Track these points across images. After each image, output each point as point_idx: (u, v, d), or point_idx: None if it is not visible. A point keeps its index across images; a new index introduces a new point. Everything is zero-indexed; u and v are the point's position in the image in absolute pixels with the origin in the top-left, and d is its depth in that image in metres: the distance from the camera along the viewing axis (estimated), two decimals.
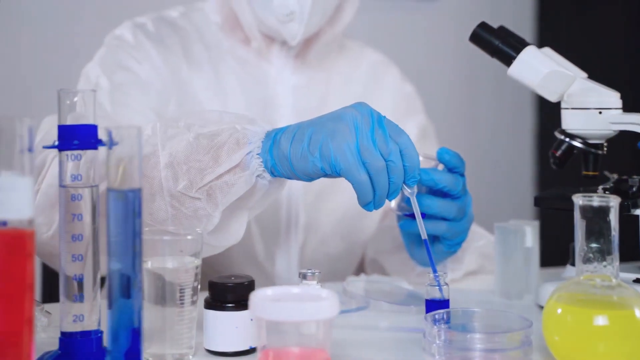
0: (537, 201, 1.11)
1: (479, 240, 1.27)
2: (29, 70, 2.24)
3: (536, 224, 1.19)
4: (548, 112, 2.77)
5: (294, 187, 1.36)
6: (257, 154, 1.00)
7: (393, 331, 1.03)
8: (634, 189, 1.07)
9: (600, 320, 0.81)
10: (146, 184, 1.01)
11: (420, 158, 1.10)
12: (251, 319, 0.91)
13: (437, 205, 1.11)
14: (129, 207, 0.73)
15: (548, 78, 1.07)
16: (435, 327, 0.91)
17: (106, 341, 0.84)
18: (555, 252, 1.35)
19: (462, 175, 1.13)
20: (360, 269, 1.46)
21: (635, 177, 1.09)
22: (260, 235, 1.35)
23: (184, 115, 1.08)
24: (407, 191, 1.00)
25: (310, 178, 0.99)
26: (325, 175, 0.99)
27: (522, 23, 2.81)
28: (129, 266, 0.73)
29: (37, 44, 2.24)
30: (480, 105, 2.84)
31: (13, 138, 0.72)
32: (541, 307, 1.11)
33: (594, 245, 0.84)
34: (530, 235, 1.18)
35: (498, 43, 1.10)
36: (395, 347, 0.96)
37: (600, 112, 1.06)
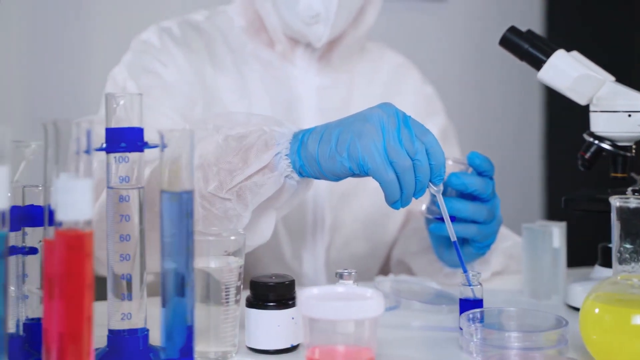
0: (567, 203, 1.13)
1: (506, 241, 1.29)
2: (34, 73, 2.25)
3: (563, 224, 1.21)
4: (556, 116, 2.79)
5: (319, 189, 1.38)
6: (286, 155, 1.02)
7: (426, 330, 1.05)
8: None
9: (639, 319, 0.83)
10: None
11: (450, 162, 1.13)
12: (292, 318, 0.93)
13: (468, 208, 1.12)
14: (183, 208, 0.75)
15: (578, 81, 1.09)
16: (472, 325, 0.93)
17: (156, 339, 0.87)
18: (575, 253, 1.37)
19: (492, 178, 1.15)
20: (384, 270, 1.48)
21: None
22: (288, 237, 1.37)
23: (212, 117, 1.10)
24: (433, 189, 1.02)
25: (338, 178, 1.02)
26: (353, 175, 1.01)
27: (531, 24, 2.82)
28: (183, 266, 0.75)
29: (43, 46, 2.26)
30: (489, 107, 2.85)
31: (69, 140, 0.74)
32: (570, 307, 1.13)
33: (629, 245, 0.86)
34: (557, 235, 1.19)
35: (527, 47, 1.12)
36: (431, 345, 0.98)
37: (629, 115, 1.08)
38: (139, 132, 0.88)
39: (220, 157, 1.03)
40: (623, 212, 0.85)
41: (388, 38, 1.73)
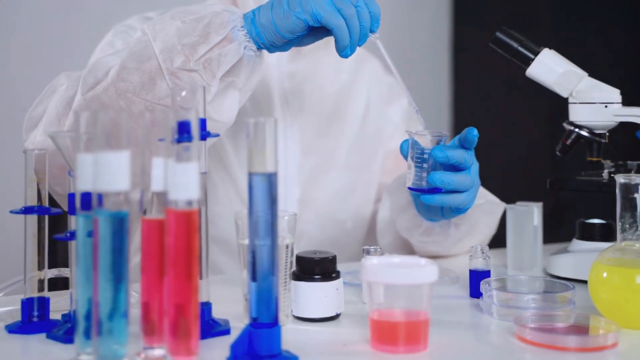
0: (552, 184, 1.28)
1: (479, 200, 1.37)
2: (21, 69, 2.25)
3: (540, 205, 1.35)
4: (464, 116, 2.95)
5: (289, 165, 1.48)
6: (241, 27, 1.17)
7: (436, 299, 1.16)
8: (633, 171, 1.25)
9: None
10: (144, 75, 1.16)
11: (429, 136, 1.20)
12: (337, 289, 1.03)
13: (453, 180, 1.18)
14: (273, 189, 0.84)
15: (563, 76, 1.24)
16: (493, 290, 1.05)
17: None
18: None
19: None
20: (356, 244, 1.57)
21: (631, 161, 1.27)
22: None
23: (168, 12, 1.23)
24: (374, 36, 1.18)
25: (294, 35, 1.16)
26: (308, 28, 1.16)
27: (440, 21, 2.96)
28: (273, 243, 0.84)
29: (31, 45, 2.26)
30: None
31: (168, 130, 0.82)
32: (552, 276, 1.27)
33: (630, 216, 1.00)
34: (537, 214, 1.33)
35: (517, 46, 1.26)
36: (451, 311, 1.10)
37: (606, 106, 1.24)
38: (202, 122, 0.97)
39: (181, 36, 1.17)
40: (627, 188, 1.00)
41: None
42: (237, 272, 1.42)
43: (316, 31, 1.18)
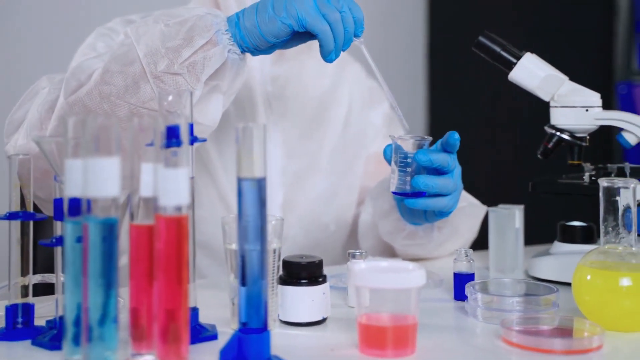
0: (534, 186, 1.29)
1: (461, 203, 1.37)
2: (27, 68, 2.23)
3: (522, 207, 1.36)
4: (438, 117, 2.96)
5: (272, 168, 1.48)
6: (225, 30, 1.18)
7: (420, 302, 1.17)
8: (613, 174, 1.27)
9: (625, 281, 0.99)
10: (128, 78, 1.15)
11: (411, 140, 1.21)
12: (323, 293, 1.03)
13: (437, 184, 1.19)
14: (262, 194, 0.84)
15: (545, 80, 1.25)
16: (479, 293, 1.06)
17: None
18: None
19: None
20: (338, 247, 1.57)
21: (611, 164, 1.29)
22: None
23: (150, 15, 1.23)
24: (358, 41, 1.20)
25: (278, 40, 1.17)
26: (292, 33, 1.16)
27: (416, 26, 2.97)
28: (262, 248, 0.83)
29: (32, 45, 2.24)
30: None
31: (157, 135, 0.82)
32: (534, 278, 1.28)
33: (612, 220, 1.01)
34: (518, 217, 1.35)
35: (499, 50, 1.27)
36: (437, 314, 1.10)
37: (586, 110, 1.25)
38: (189, 127, 0.96)
39: (165, 40, 1.17)
40: (610, 190, 1.01)
41: None
42: (220, 276, 1.42)
43: (300, 35, 1.19)
